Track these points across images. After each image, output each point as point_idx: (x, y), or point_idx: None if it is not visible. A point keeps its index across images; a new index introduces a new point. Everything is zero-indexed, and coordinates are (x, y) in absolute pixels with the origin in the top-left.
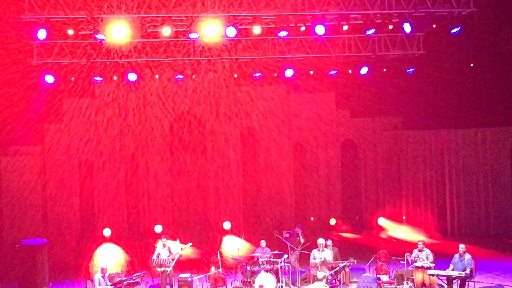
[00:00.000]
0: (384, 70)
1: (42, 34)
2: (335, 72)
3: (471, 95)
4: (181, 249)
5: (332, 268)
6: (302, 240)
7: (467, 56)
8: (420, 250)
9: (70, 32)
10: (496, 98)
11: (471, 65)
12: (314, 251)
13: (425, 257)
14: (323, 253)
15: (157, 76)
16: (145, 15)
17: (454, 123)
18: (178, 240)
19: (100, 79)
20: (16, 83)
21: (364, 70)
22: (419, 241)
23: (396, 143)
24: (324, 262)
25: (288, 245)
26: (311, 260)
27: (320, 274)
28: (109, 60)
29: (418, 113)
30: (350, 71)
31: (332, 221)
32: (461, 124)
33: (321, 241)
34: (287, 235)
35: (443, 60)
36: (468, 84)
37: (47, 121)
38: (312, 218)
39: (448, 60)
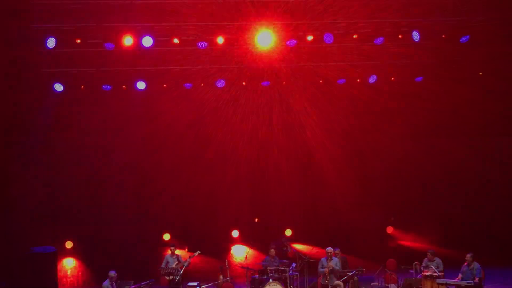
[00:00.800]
0: (392, 79)
1: (51, 42)
2: (344, 80)
3: (479, 104)
4: (190, 257)
5: (341, 277)
6: (289, 250)
7: (476, 65)
8: (430, 259)
9: (79, 40)
10: (504, 107)
11: (480, 73)
12: (323, 260)
13: (435, 266)
14: (332, 262)
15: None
16: (154, 24)
17: (463, 132)
18: (186, 249)
19: (109, 87)
20: (26, 92)
21: (372, 79)
22: (429, 251)
23: (405, 151)
24: (332, 271)
25: (297, 253)
26: (320, 269)
27: (334, 282)
28: (118, 69)
29: (427, 121)
30: (358, 80)
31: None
32: (470, 133)
33: (329, 249)
34: (274, 246)
35: (452, 68)
36: (476, 93)
37: (56, 130)
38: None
39: (457, 68)
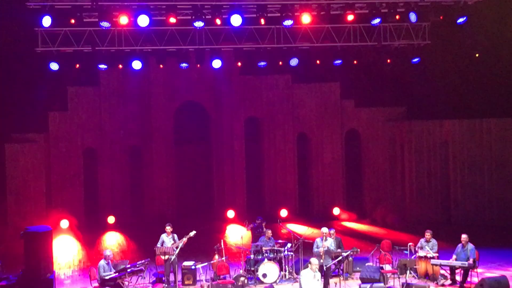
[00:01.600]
0: (388, 61)
1: (47, 21)
2: (340, 61)
3: (476, 85)
4: (185, 237)
5: (336, 257)
6: (265, 230)
7: (473, 46)
8: (427, 241)
9: (75, 19)
10: (501, 88)
11: (477, 55)
12: (318, 240)
13: (430, 247)
14: (326, 242)
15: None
16: (150, 3)
17: (458, 113)
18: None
19: (105, 67)
20: (21, 70)
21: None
22: (427, 231)
23: (401, 133)
24: (327, 251)
25: (292, 234)
26: (314, 249)
27: (314, 261)
28: (113, 48)
29: (422, 103)
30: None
31: (336, 211)
32: (466, 114)
33: (324, 230)
34: (250, 227)
35: (449, 50)
36: (473, 74)
37: (52, 109)
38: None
39: (454, 50)
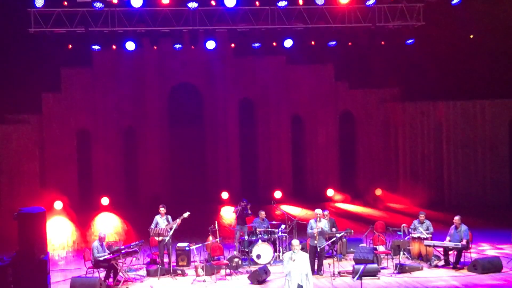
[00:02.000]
0: (382, 43)
1: (39, 1)
2: (334, 43)
3: (470, 67)
4: (179, 218)
5: (329, 238)
6: (250, 213)
7: (467, 27)
8: (421, 222)
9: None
10: (495, 70)
11: (471, 36)
12: (312, 221)
13: (424, 228)
14: (320, 223)
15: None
16: None
17: (452, 95)
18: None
19: (98, 48)
20: (14, 51)
21: None
22: (420, 212)
23: (395, 115)
24: (321, 232)
25: (286, 215)
26: (308, 230)
27: (294, 242)
28: (107, 29)
29: (417, 84)
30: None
31: (330, 192)
32: (460, 96)
33: (318, 211)
34: (235, 210)
35: (443, 31)
36: (467, 56)
37: (45, 90)
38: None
39: (448, 31)
